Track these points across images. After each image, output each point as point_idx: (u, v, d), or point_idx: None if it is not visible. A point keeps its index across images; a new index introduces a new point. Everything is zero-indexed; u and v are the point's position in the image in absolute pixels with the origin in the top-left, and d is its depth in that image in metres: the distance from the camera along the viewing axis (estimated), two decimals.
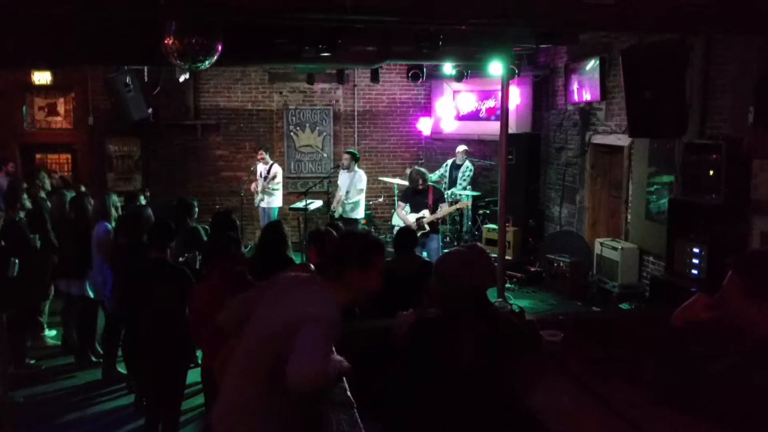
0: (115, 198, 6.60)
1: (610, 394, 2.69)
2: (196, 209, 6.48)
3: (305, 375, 2.40)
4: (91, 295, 6.37)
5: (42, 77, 10.81)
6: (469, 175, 10.49)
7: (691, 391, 2.35)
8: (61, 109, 11.29)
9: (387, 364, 2.85)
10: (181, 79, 9.25)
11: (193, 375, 4.92)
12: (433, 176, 10.05)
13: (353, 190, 9.52)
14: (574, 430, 2.45)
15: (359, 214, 9.71)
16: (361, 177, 9.61)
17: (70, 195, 7.08)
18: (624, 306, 7.76)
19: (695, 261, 6.39)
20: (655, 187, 7.71)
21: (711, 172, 6.19)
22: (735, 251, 5.70)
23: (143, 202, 8.03)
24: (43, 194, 7.46)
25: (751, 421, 2.17)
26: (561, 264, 8.86)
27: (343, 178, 9.73)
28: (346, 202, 9.56)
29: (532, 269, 9.51)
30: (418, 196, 8.37)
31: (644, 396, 2.55)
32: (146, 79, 9.06)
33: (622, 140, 8.31)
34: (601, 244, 8.40)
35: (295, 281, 2.77)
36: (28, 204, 6.99)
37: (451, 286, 2.58)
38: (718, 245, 6.09)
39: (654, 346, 2.50)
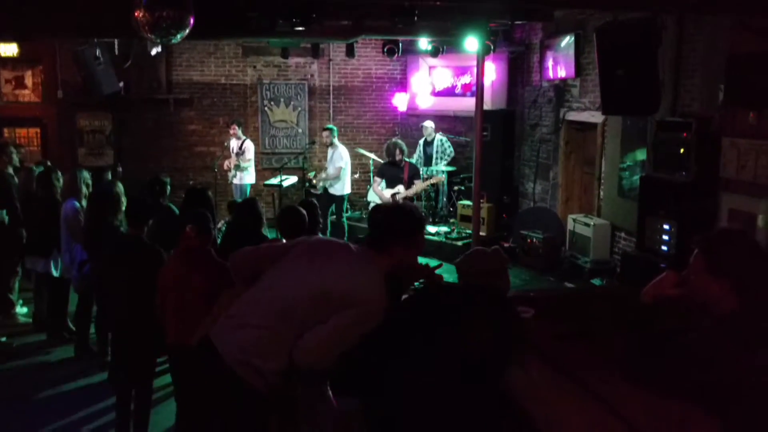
0: (86, 174, 6.47)
1: (579, 370, 2.73)
2: (169, 187, 6.39)
3: (314, 359, 2.45)
4: (56, 273, 6.29)
5: (8, 49, 10.52)
6: (449, 147, 10.45)
7: (658, 366, 2.41)
8: (29, 81, 11.01)
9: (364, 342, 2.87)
10: (153, 52, 9.10)
11: None
12: (411, 160, 10.05)
13: (331, 167, 9.50)
14: (543, 406, 2.49)
15: (344, 190, 9.69)
16: (340, 154, 9.58)
17: (38, 170, 6.96)
18: (595, 281, 7.89)
19: (665, 237, 6.49)
20: (628, 164, 7.79)
21: (681, 150, 6.27)
22: (704, 228, 5.83)
23: (111, 178, 7.91)
24: (10, 170, 7.32)
25: (715, 395, 2.23)
26: (534, 240, 8.95)
27: (328, 154, 9.74)
28: (324, 179, 9.54)
29: (506, 245, 9.57)
30: (394, 170, 8.38)
31: (613, 371, 2.60)
32: (117, 52, 8.89)
33: (596, 117, 8.37)
34: (574, 220, 8.50)
35: (340, 246, 2.75)
36: None
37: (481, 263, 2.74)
38: (688, 222, 6.20)
39: (624, 322, 2.55)
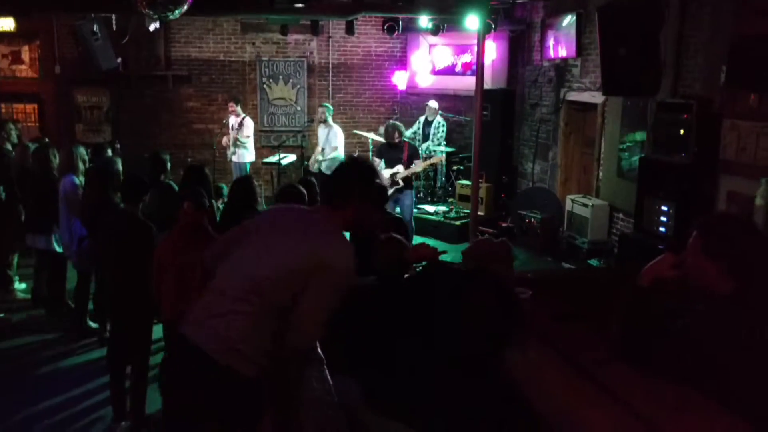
0: (82, 150, 6.44)
1: (576, 351, 2.75)
2: (169, 164, 6.37)
3: (310, 338, 2.46)
4: (58, 249, 6.29)
5: (5, 24, 10.43)
6: (442, 133, 10.44)
7: (654, 348, 2.42)
8: (26, 57, 10.93)
9: (359, 321, 2.88)
10: (152, 28, 9.01)
11: (157, 330, 4.90)
12: (407, 133, 10.00)
13: (328, 147, 9.43)
14: (540, 386, 2.51)
15: None
16: (336, 133, 9.51)
17: (34, 147, 6.93)
18: (593, 262, 7.90)
19: (663, 219, 6.50)
20: (627, 144, 7.77)
21: (681, 132, 6.25)
22: (702, 210, 5.84)
23: (111, 154, 7.89)
24: (9, 146, 7.29)
25: (710, 377, 2.24)
26: (532, 220, 8.95)
27: (320, 133, 9.63)
28: (321, 159, 9.48)
29: (504, 225, 9.59)
30: (392, 151, 8.33)
31: (610, 353, 2.61)
32: (114, 27, 8.82)
33: (596, 98, 8.32)
34: (573, 200, 8.50)
35: (305, 213, 2.75)
36: None
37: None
38: (686, 204, 6.19)
39: (621, 303, 2.56)
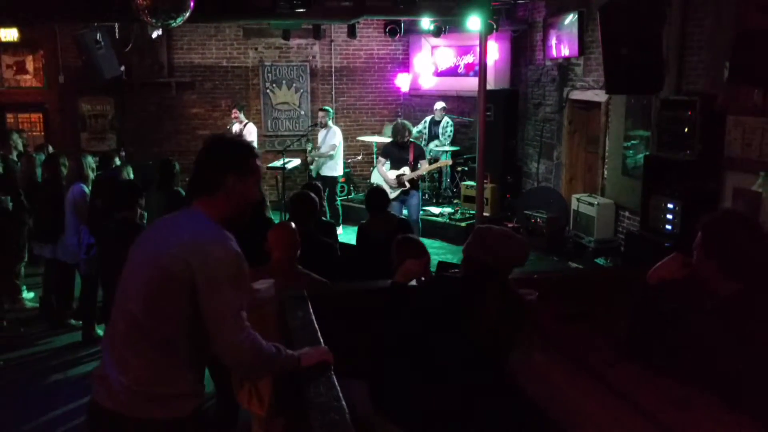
0: (90, 159, 6.50)
1: (583, 351, 2.75)
2: (177, 171, 6.38)
3: (234, 345, 2.16)
4: (64, 258, 6.31)
5: (8, 34, 10.50)
6: (450, 132, 10.45)
7: (661, 347, 2.42)
8: (30, 67, 10.99)
9: (365, 324, 2.88)
10: (154, 35, 9.06)
11: None
12: (415, 131, 10.00)
13: (325, 145, 9.44)
14: (547, 388, 2.51)
15: (337, 171, 9.65)
16: (334, 133, 9.51)
17: (39, 158, 6.97)
18: (599, 261, 7.88)
19: (669, 216, 6.48)
20: (632, 142, 7.75)
21: (686, 129, 6.23)
22: (708, 207, 5.81)
23: (119, 163, 7.92)
24: (14, 156, 7.33)
25: (715, 377, 2.24)
26: (538, 220, 8.94)
27: (320, 136, 9.64)
28: (316, 157, 9.48)
29: (510, 225, 9.57)
30: (399, 151, 8.32)
31: (618, 353, 2.61)
32: (117, 36, 8.85)
33: (600, 96, 8.31)
34: (578, 199, 8.48)
35: (168, 220, 2.45)
36: None
37: (490, 254, 2.67)
38: (692, 201, 6.17)
39: (628, 303, 2.55)
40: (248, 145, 2.48)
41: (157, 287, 2.19)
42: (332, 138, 9.44)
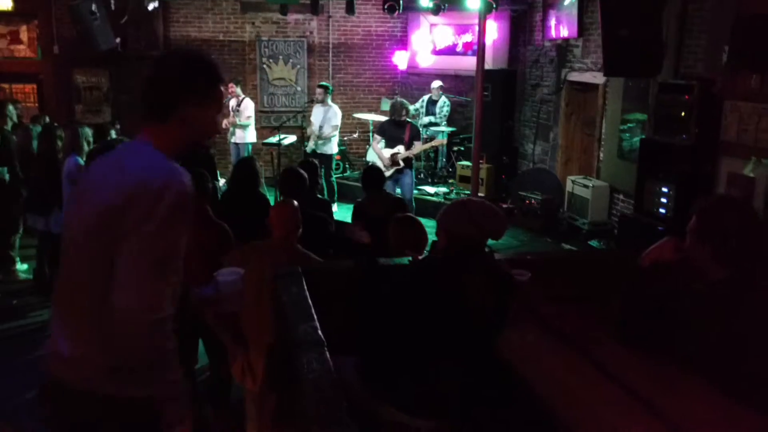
0: (87, 131, 6.45)
1: (576, 333, 2.77)
2: None
3: (130, 306, 1.83)
4: (57, 230, 6.30)
5: (2, 3, 10.37)
6: (446, 111, 10.43)
7: (653, 330, 2.44)
8: (24, 36, 10.87)
9: (362, 303, 2.90)
10: (150, 7, 8.97)
11: None
12: (412, 109, 9.96)
13: (327, 126, 9.36)
14: (539, 368, 2.53)
15: (333, 149, 9.62)
16: (335, 113, 9.44)
17: (35, 129, 6.91)
18: (593, 243, 7.93)
19: (663, 200, 6.50)
20: (628, 125, 7.75)
21: (683, 113, 6.23)
22: (703, 191, 5.84)
23: (114, 135, 7.87)
24: (9, 126, 7.27)
25: (707, 359, 2.27)
26: (533, 201, 8.96)
27: (316, 112, 9.54)
28: (319, 138, 9.43)
29: (505, 206, 9.58)
30: (395, 130, 8.29)
31: (610, 335, 2.63)
32: (113, 7, 8.75)
33: (598, 78, 8.29)
34: (573, 181, 8.50)
35: (110, 156, 2.08)
36: None
37: (468, 229, 2.64)
38: (687, 185, 6.20)
39: (621, 286, 2.57)
40: (211, 64, 2.11)
41: (98, 240, 1.89)
42: (334, 118, 9.35)
